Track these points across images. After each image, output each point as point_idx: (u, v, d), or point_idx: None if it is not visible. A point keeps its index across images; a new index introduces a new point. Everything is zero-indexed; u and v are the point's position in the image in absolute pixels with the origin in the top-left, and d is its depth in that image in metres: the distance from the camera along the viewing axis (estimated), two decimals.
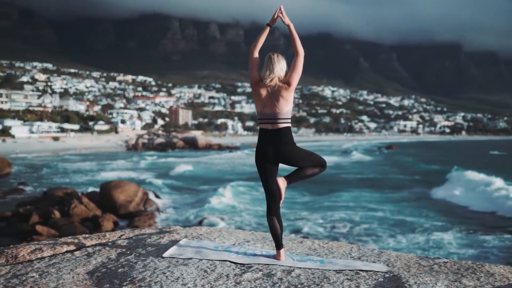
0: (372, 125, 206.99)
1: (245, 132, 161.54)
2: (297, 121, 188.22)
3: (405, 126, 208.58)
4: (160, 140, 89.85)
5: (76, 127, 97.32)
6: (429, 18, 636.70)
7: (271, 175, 3.25)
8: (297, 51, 3.31)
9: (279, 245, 3.20)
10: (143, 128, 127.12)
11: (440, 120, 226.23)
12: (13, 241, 12.97)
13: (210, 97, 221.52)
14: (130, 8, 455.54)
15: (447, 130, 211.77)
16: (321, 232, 16.50)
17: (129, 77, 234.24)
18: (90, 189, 24.97)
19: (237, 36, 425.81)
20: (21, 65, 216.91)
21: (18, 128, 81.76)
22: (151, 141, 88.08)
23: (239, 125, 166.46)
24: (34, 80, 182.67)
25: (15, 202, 22.77)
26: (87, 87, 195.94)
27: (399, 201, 23.78)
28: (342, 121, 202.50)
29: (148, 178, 33.13)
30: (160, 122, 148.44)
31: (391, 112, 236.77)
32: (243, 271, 2.95)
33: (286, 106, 3.23)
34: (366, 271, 2.87)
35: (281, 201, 3.30)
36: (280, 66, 3.27)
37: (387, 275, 2.76)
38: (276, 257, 3.19)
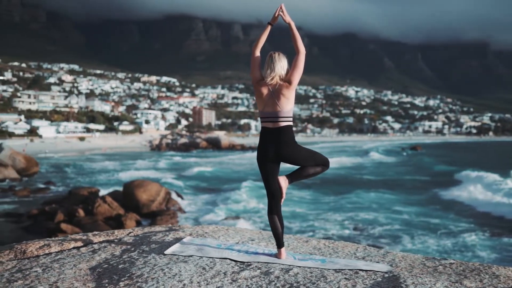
0: (397, 126, 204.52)
1: None
2: (320, 122, 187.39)
3: (430, 126, 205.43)
4: (183, 140, 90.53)
5: (102, 127, 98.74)
6: (455, 16, 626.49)
7: (272, 174, 3.25)
8: (298, 49, 3.30)
9: (280, 244, 3.21)
10: (167, 128, 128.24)
11: (466, 120, 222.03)
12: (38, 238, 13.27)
13: (234, 98, 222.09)
14: (155, 10, 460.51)
15: (474, 131, 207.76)
16: (341, 233, 16.43)
17: (153, 78, 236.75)
18: (114, 189, 25.37)
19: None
20: (49, 66, 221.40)
21: (45, 128, 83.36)
22: (175, 142, 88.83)
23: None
24: (61, 81, 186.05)
25: (42, 200, 23.33)
26: (112, 88, 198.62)
27: (417, 203, 23.48)
28: (366, 121, 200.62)
29: (171, 178, 33.44)
30: (184, 122, 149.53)
31: (416, 112, 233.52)
32: (242, 269, 2.95)
33: (287, 105, 3.23)
34: (366, 270, 2.86)
35: (282, 200, 3.29)
36: (281, 64, 3.26)
37: (386, 275, 2.74)
38: (277, 255, 3.20)
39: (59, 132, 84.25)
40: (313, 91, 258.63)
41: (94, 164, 46.78)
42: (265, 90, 3.25)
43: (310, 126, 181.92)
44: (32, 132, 79.14)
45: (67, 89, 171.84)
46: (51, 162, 47.16)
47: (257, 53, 3.40)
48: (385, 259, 3.13)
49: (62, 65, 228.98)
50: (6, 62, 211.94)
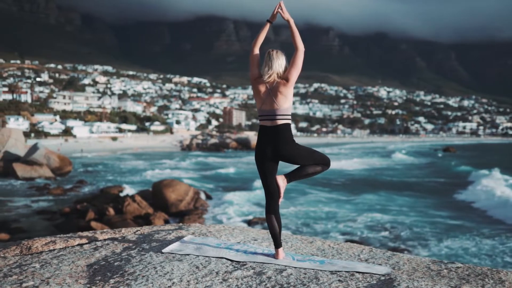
0: (429, 127, 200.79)
1: (298, 133, 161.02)
2: (351, 122, 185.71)
3: (464, 127, 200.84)
4: (213, 140, 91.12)
5: (133, 127, 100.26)
6: (490, 15, 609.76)
7: (270, 173, 3.21)
8: (297, 47, 3.24)
9: (277, 244, 3.17)
10: (197, 128, 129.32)
11: (502, 121, 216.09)
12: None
13: None
14: (186, 11, 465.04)
15: (510, 132, 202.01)
16: (365, 235, 16.28)
17: (184, 79, 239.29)
18: (143, 188, 25.78)
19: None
20: (84, 68, 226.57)
21: (79, 129, 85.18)
22: (205, 142, 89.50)
23: (292, 126, 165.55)
24: (95, 83, 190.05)
25: (74, 199, 23.89)
26: (144, 89, 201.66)
27: (434, 205, 23.04)
28: (398, 122, 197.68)
29: (200, 177, 33.76)
30: (214, 123, 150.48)
31: (449, 113, 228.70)
32: (236, 268, 2.92)
33: (285, 103, 3.18)
34: (363, 273, 2.81)
35: (280, 200, 3.25)
36: (279, 62, 3.22)
37: (382, 278, 2.69)
38: (275, 256, 3.16)
39: (92, 132, 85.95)
40: (344, 91, 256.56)
41: (125, 163, 47.60)
42: (262, 88, 3.22)
43: (340, 127, 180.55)
44: (67, 132, 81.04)
45: (101, 90, 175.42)
46: (83, 162, 48.21)
47: (256, 50, 3.37)
48: (388, 262, 3.08)
49: (96, 66, 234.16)
50: (43, 64, 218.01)
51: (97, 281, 2.70)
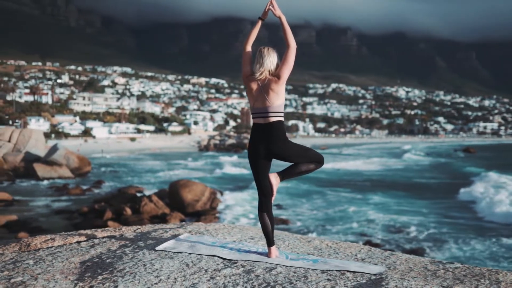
0: (449, 127, 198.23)
1: (316, 134, 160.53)
2: (369, 123, 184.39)
3: (485, 128, 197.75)
4: (231, 141, 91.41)
5: (152, 128, 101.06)
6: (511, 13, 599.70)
7: (262, 171, 3.19)
8: (289, 44, 3.20)
9: (269, 242, 3.15)
10: (215, 129, 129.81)
11: None
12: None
13: None
14: (203, 13, 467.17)
15: None
16: (381, 236, 16.18)
17: (202, 80, 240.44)
18: (160, 188, 26.01)
19: (309, 37, 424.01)
20: (103, 69, 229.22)
21: (98, 129, 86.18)
22: (223, 142, 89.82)
23: (310, 126, 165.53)
24: (114, 84, 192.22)
25: (92, 198, 24.22)
26: (162, 90, 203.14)
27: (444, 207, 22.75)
28: (417, 122, 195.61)
29: (216, 177, 33.90)
30: (232, 123, 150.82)
31: (469, 113, 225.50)
32: (226, 266, 2.91)
33: (277, 100, 3.16)
34: (354, 272, 2.79)
35: (273, 198, 3.23)
36: (270, 59, 3.20)
37: (373, 277, 2.66)
38: (268, 254, 3.15)
39: (111, 133, 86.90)
40: (362, 91, 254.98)
41: (143, 163, 48.04)
42: (254, 86, 3.21)
43: (358, 127, 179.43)
44: (86, 133, 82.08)
45: (120, 91, 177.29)
46: (102, 162, 48.79)
47: (248, 48, 3.38)
48: (385, 262, 3.05)
49: (115, 68, 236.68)
50: (63, 66, 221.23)
51: (86, 278, 2.72)
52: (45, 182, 32.16)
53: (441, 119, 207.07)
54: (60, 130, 79.47)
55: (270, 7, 3.27)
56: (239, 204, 22.77)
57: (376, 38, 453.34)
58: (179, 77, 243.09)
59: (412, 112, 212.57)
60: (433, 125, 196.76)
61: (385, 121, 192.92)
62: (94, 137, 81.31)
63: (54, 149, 37.51)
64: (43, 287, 2.56)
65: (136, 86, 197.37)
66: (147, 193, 24.42)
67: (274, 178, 3.20)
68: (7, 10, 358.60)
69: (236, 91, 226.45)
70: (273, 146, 3.12)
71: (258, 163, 3.18)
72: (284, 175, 3.23)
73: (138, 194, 24.40)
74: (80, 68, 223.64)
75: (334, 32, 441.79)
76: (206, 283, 2.60)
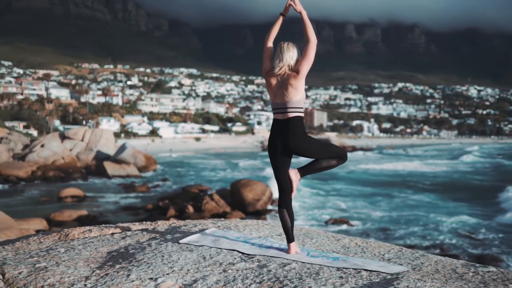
0: None
1: (381, 134, 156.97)
2: (438, 123, 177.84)
3: None
4: None
5: (216, 128, 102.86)
6: None
7: (282, 167, 3.15)
8: (309, 39, 3.19)
9: (289, 239, 3.11)
10: None
11: None
12: None
13: (346, 99, 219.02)
14: (268, 13, 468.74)
15: None
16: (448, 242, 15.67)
17: None
18: (222, 187, 26.52)
19: (374, 35, 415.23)
20: (170, 71, 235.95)
21: (165, 129, 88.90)
22: None
23: (375, 127, 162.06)
24: (180, 85, 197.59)
25: (157, 196, 25.13)
26: (227, 91, 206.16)
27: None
28: (489, 122, 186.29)
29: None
30: None
31: None
32: (241, 260, 2.91)
33: (296, 95, 3.12)
34: (371, 271, 2.71)
35: (293, 194, 3.18)
36: (289, 54, 3.19)
37: (388, 277, 2.59)
38: (287, 251, 3.11)
39: (177, 133, 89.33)
40: (430, 91, 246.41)
41: (207, 163, 49.08)
42: (274, 81, 3.19)
43: (426, 127, 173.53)
44: (153, 133, 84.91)
45: (186, 92, 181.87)
46: (168, 161, 50.32)
47: (269, 44, 3.38)
48: (412, 262, 2.95)
49: (182, 69, 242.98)
50: (133, 68, 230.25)
51: (106, 266, 2.81)
52: (114, 179, 33.67)
53: None
54: (129, 130, 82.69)
55: (291, 2, 3.28)
56: (299, 203, 22.80)
57: (445, 35, 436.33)
58: (244, 78, 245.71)
59: (484, 112, 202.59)
60: (508, 126, 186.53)
61: (455, 121, 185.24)
62: (160, 136, 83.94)
63: (122, 148, 39.19)
64: (62, 272, 2.68)
65: (202, 87, 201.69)
66: (209, 192, 24.97)
67: (294, 175, 3.15)
68: (83, 17, 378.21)
69: None
70: (291, 142, 3.08)
71: (277, 159, 3.15)
72: (304, 171, 3.18)
73: (201, 193, 25.04)
74: (148, 70, 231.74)
75: (401, 29, 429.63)
76: (217, 275, 2.63)
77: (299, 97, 3.14)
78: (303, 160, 3.10)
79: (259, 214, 20.02)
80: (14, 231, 13.79)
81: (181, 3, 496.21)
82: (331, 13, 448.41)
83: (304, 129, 3.13)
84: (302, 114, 3.15)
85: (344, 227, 17.65)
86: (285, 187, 3.17)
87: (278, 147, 3.13)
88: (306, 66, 3.14)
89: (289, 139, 3.09)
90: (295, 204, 22.24)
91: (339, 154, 3.18)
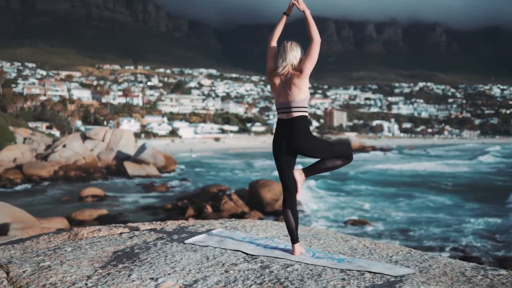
0: None
1: (402, 134, 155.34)
2: (460, 123, 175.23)
3: None
4: None
5: (235, 128, 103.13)
6: None
7: (286, 167, 3.13)
8: (313, 37, 3.16)
9: (294, 240, 3.09)
10: None
11: None
12: None
13: (366, 99, 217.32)
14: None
15: None
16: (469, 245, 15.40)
17: None
18: (241, 187, 26.54)
19: (395, 35, 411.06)
20: (190, 72, 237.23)
21: (184, 129, 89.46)
22: None
23: (395, 126, 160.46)
24: (200, 85, 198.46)
25: (176, 196, 25.28)
26: (246, 91, 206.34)
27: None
28: None
29: None
30: (315, 123, 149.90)
31: None
32: (244, 261, 2.88)
33: (300, 94, 3.11)
34: (375, 273, 2.66)
35: (298, 195, 3.15)
36: (293, 53, 3.17)
37: (391, 279, 2.54)
38: (292, 251, 3.09)
39: (196, 133, 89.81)
40: (452, 90, 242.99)
41: (226, 163, 49.19)
42: (277, 81, 3.17)
43: (447, 127, 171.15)
44: (173, 133, 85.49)
45: (206, 92, 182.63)
46: (187, 161, 50.57)
47: (273, 43, 3.35)
48: (420, 265, 2.88)
49: (201, 70, 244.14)
50: (153, 69, 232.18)
51: (109, 266, 2.81)
52: (134, 179, 33.96)
53: None
54: (149, 130, 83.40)
55: (294, 1, 3.25)
56: (316, 204, 22.67)
57: (467, 34, 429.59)
58: (263, 78, 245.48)
59: (508, 112, 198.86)
60: None
61: (477, 121, 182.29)
62: (180, 137, 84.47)
63: (142, 148, 39.52)
64: (65, 271, 2.69)
65: (221, 87, 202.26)
66: (228, 192, 25.02)
67: (298, 175, 3.13)
68: (104, 19, 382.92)
69: (320, 91, 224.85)
70: (295, 142, 3.07)
71: (281, 158, 3.13)
72: (309, 171, 3.15)
73: (220, 193, 25.09)
74: (168, 71, 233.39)
75: (421, 28, 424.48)
76: (218, 276, 2.61)
77: (303, 96, 3.12)
78: (309, 161, 3.06)
79: (277, 214, 19.95)
80: (36, 229, 14.01)
81: (201, 4, 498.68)
82: (350, 13, 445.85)
83: (309, 129, 3.11)
84: (306, 114, 3.15)
85: (363, 228, 17.48)
86: (290, 187, 3.15)
87: (283, 147, 3.12)
88: (310, 65, 3.12)
89: (293, 139, 3.07)
90: (314, 205, 22.17)
91: (344, 154, 3.15)
